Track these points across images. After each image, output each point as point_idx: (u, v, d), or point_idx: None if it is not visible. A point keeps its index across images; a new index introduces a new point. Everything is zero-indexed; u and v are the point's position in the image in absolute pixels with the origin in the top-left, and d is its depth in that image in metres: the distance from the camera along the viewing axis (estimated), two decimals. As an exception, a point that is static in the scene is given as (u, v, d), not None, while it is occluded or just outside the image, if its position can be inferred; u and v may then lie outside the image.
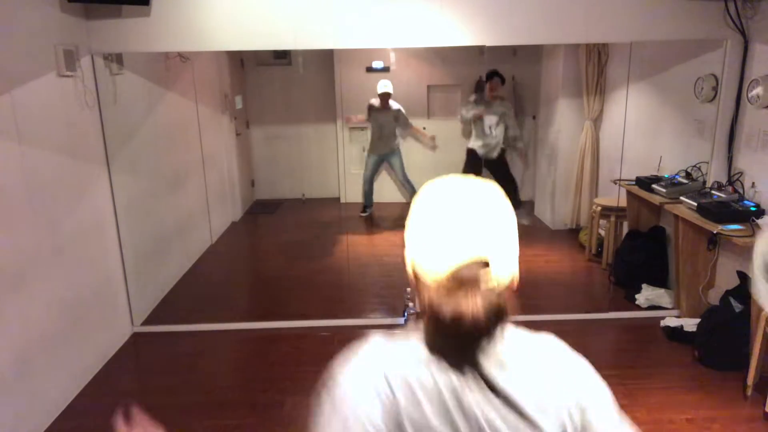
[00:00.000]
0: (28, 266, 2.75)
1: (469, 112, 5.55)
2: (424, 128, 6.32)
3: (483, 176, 5.21)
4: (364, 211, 6.08)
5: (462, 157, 5.87)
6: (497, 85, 5.47)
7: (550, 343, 0.88)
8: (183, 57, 4.75)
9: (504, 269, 0.81)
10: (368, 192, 6.01)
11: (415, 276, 0.84)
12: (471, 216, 0.80)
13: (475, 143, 5.60)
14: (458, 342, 0.77)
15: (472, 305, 0.75)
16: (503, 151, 5.63)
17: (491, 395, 0.79)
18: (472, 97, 5.67)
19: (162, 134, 4.48)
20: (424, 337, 0.81)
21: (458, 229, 0.79)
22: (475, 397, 0.79)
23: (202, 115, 5.21)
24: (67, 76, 3.14)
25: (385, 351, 0.83)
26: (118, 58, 3.66)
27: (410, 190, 5.99)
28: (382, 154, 5.90)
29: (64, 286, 3.06)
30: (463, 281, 0.77)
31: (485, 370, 0.79)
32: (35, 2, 2.90)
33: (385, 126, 5.77)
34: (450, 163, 6.32)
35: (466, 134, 5.80)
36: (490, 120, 5.50)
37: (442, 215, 0.80)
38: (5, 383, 2.56)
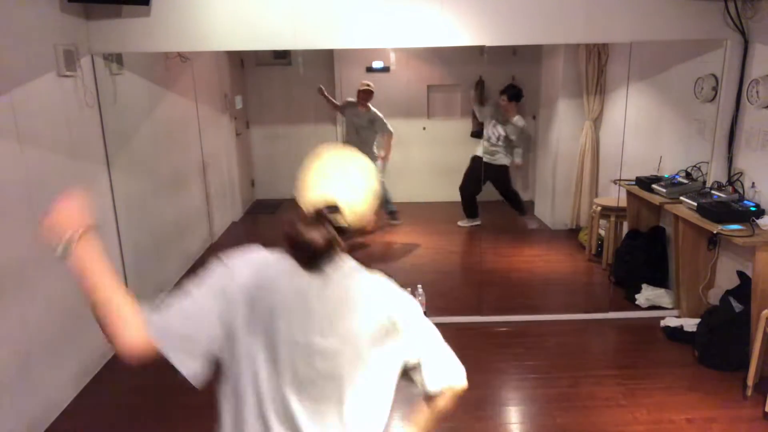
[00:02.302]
0: (28, 266, 2.74)
1: (484, 116, 5.53)
2: (424, 128, 6.32)
3: (482, 184, 5.20)
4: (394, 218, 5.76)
5: (462, 157, 5.89)
6: (512, 108, 5.37)
7: (372, 276, 1.18)
8: (183, 57, 4.74)
9: (352, 214, 1.12)
10: None
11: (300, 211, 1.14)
12: (335, 174, 1.13)
13: (480, 150, 5.59)
14: (304, 256, 1.09)
15: (318, 234, 1.06)
16: (506, 168, 5.60)
17: (322, 296, 1.11)
18: (491, 102, 5.61)
19: (162, 134, 4.48)
20: (286, 250, 1.12)
21: (324, 181, 1.12)
22: (312, 293, 1.11)
23: (202, 115, 5.21)
24: (67, 76, 3.14)
25: (265, 256, 1.16)
26: (118, 58, 3.66)
27: (386, 198, 5.63)
28: None
29: (65, 286, 3.06)
30: (319, 216, 1.08)
31: (321, 278, 1.12)
32: (35, 2, 2.90)
33: (361, 130, 5.42)
34: (449, 162, 6.33)
35: (476, 134, 5.78)
36: (499, 131, 5.48)
37: (317, 172, 1.14)
38: (5, 383, 2.56)
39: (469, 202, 5.75)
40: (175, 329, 1.12)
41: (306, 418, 1.12)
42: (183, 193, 4.91)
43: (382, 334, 1.14)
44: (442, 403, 1.23)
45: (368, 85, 5.35)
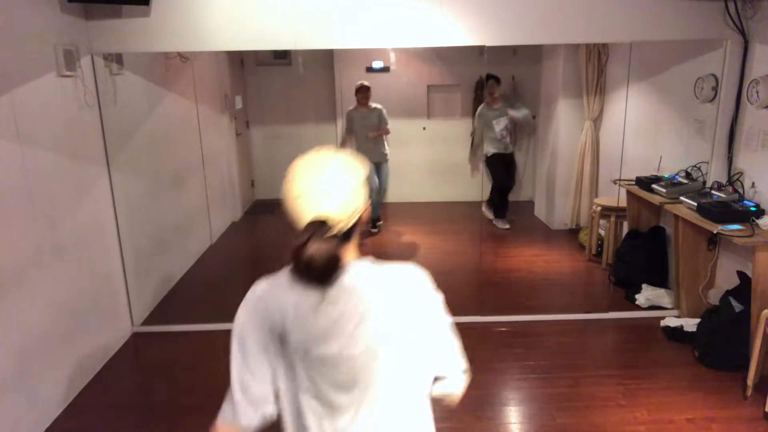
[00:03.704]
0: (28, 266, 2.75)
1: (484, 123, 5.58)
2: (424, 128, 6.33)
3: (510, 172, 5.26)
4: (374, 226, 5.76)
5: (462, 157, 5.89)
6: (494, 88, 5.47)
7: (393, 271, 1.16)
8: (183, 57, 4.75)
9: (341, 220, 1.10)
10: (375, 204, 5.57)
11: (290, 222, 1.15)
12: (315, 184, 1.10)
13: (492, 148, 5.61)
14: (307, 275, 1.08)
15: (315, 250, 1.05)
16: (512, 153, 5.69)
17: (330, 308, 1.11)
18: (479, 109, 5.65)
19: (162, 134, 4.48)
20: (290, 270, 1.11)
21: (306, 194, 1.10)
22: (321, 309, 1.11)
23: (202, 115, 5.21)
24: (67, 76, 3.14)
25: (263, 287, 1.17)
26: (118, 58, 3.66)
27: (381, 201, 5.75)
28: (376, 161, 5.54)
29: (64, 286, 3.06)
30: (310, 232, 1.06)
31: (326, 292, 1.11)
32: (35, 2, 2.90)
33: (371, 129, 5.44)
34: (450, 162, 6.34)
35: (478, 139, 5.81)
36: (499, 124, 5.50)
37: (297, 184, 1.11)
38: (5, 383, 2.56)
39: (506, 198, 5.80)
40: (243, 406, 1.17)
41: (336, 427, 1.14)
42: (183, 193, 4.91)
43: (403, 333, 1.13)
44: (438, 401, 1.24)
45: (363, 83, 5.36)
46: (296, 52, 6.14)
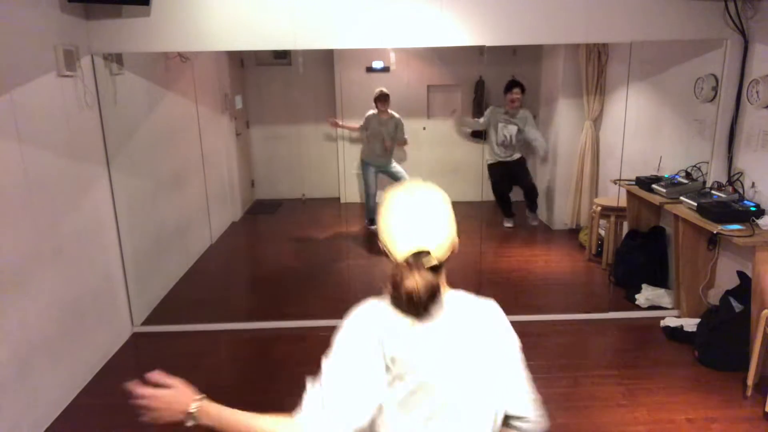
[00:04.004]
0: (28, 266, 2.75)
1: (486, 123, 5.54)
2: (424, 128, 6.32)
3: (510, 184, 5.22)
4: (372, 223, 5.77)
5: (462, 157, 5.88)
6: (518, 96, 5.38)
7: (481, 305, 1.20)
8: (183, 57, 4.75)
9: (441, 252, 1.14)
10: (374, 206, 5.63)
11: (386, 254, 1.18)
12: (416, 215, 1.14)
13: (491, 156, 5.58)
14: (408, 306, 1.10)
15: (417, 283, 1.08)
16: (524, 159, 5.62)
17: (433, 337, 1.14)
18: (492, 108, 5.59)
19: (162, 134, 4.48)
20: (391, 299, 1.14)
21: (407, 226, 1.13)
22: (425, 337, 1.13)
23: (202, 115, 5.21)
24: (67, 76, 3.14)
25: (369, 309, 1.18)
26: (118, 58, 3.66)
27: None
28: (378, 163, 5.60)
29: (64, 286, 3.06)
30: (411, 264, 1.10)
31: (429, 321, 1.13)
32: (35, 2, 2.90)
33: (388, 137, 5.49)
34: (450, 162, 6.33)
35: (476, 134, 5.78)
36: (510, 130, 5.47)
37: (397, 215, 1.15)
38: (5, 383, 2.56)
39: (506, 201, 5.77)
40: (335, 420, 1.13)
41: None
42: (183, 193, 4.91)
43: (488, 365, 1.17)
44: None
45: (382, 90, 5.38)
46: (296, 52, 6.15)
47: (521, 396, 1.22)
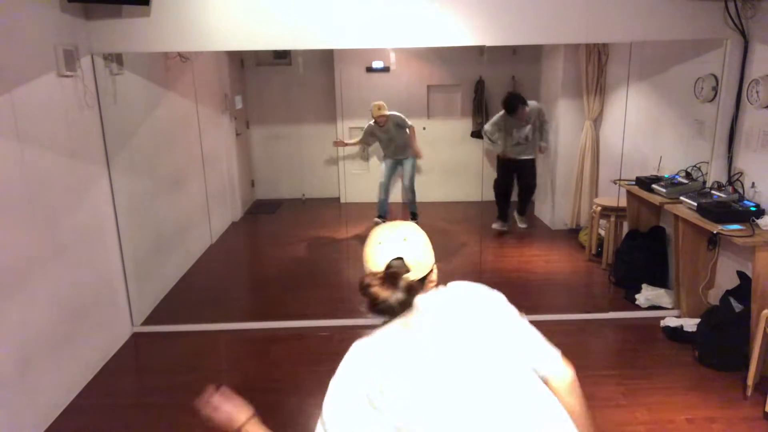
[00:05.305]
0: (28, 266, 2.75)
1: (495, 137, 5.52)
2: (424, 128, 6.33)
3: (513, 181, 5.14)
4: (381, 217, 5.76)
5: (462, 157, 5.88)
6: (524, 112, 5.31)
7: (454, 291, 1.29)
8: (183, 57, 4.74)
9: (418, 265, 1.24)
10: (384, 200, 5.71)
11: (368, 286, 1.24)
12: (394, 242, 1.25)
13: (508, 152, 5.55)
14: (390, 308, 1.18)
15: (393, 289, 1.17)
16: (533, 160, 5.58)
17: (431, 361, 1.19)
18: (497, 118, 5.49)
19: (162, 134, 4.48)
20: (369, 308, 1.20)
21: (386, 248, 1.24)
22: (424, 366, 1.19)
23: (202, 115, 5.21)
24: (67, 76, 3.14)
25: (365, 350, 1.23)
26: (118, 58, 3.66)
27: (411, 198, 5.78)
28: (397, 158, 5.68)
29: (65, 286, 3.06)
30: (389, 274, 1.19)
31: (419, 341, 1.19)
32: (35, 2, 2.90)
33: (396, 137, 5.57)
34: (450, 162, 6.33)
35: (476, 134, 5.74)
36: (519, 131, 5.44)
37: (378, 243, 1.26)
38: (5, 383, 2.56)
39: (505, 201, 5.74)
40: None
41: None
42: (183, 193, 4.91)
43: (499, 341, 1.26)
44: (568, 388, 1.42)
45: (380, 108, 5.38)
46: (296, 52, 6.15)
47: (544, 353, 1.38)
